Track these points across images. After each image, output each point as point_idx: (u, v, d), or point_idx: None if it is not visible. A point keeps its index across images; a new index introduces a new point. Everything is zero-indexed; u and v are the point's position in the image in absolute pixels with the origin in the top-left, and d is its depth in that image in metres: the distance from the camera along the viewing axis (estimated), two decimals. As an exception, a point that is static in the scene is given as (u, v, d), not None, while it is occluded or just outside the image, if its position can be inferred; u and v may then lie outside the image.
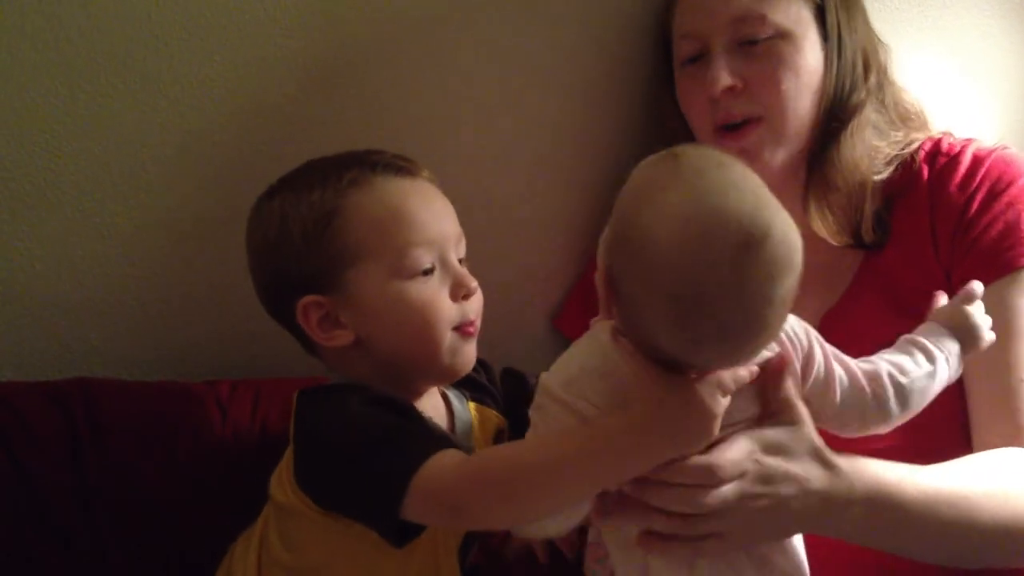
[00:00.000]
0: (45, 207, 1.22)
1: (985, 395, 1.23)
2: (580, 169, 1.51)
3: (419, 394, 1.11)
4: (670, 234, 0.86)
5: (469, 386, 1.17)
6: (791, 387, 1.00)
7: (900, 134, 1.34)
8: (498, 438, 1.17)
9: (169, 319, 1.31)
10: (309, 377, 1.21)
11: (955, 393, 1.21)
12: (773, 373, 0.99)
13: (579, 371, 0.94)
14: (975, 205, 1.27)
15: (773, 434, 0.99)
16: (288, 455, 1.09)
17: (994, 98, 1.82)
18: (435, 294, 1.05)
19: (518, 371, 1.24)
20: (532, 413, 0.96)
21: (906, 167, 1.32)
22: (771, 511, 0.99)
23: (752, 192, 0.87)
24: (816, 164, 1.30)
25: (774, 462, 0.99)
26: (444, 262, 1.07)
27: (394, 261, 1.04)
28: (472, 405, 1.17)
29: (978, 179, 1.28)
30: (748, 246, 0.85)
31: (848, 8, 1.31)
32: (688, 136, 1.36)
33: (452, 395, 1.16)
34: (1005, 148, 1.33)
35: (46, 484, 1.18)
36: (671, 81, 1.37)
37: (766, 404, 1.00)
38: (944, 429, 1.21)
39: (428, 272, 1.05)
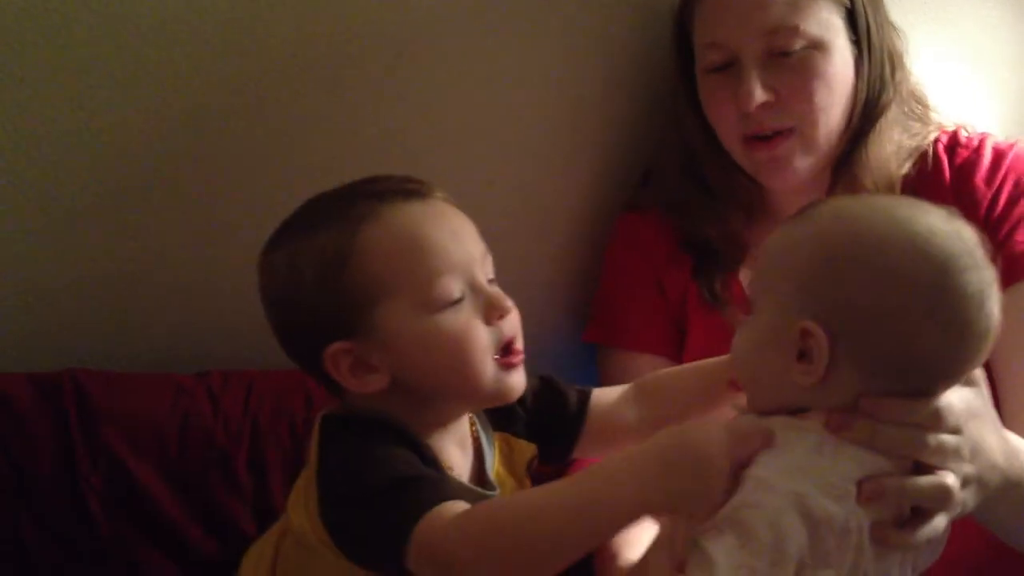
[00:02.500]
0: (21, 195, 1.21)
1: (1008, 400, 1.22)
2: (586, 174, 1.50)
3: (450, 422, 1.04)
4: (900, 234, 0.88)
5: (495, 415, 1.10)
6: None
7: (918, 126, 1.34)
8: (530, 467, 1.12)
9: (155, 309, 1.30)
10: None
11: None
12: None
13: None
14: (1002, 201, 1.27)
15: (966, 396, 0.93)
16: (306, 478, 1.03)
17: (997, 89, 1.81)
18: (468, 322, 0.98)
19: (556, 382, 1.15)
20: None
21: (925, 160, 1.32)
22: (979, 483, 0.94)
23: None
24: (843, 167, 1.29)
25: (975, 428, 0.93)
26: (473, 286, 0.99)
27: (420, 294, 0.97)
28: (498, 436, 1.11)
29: (1003, 173, 1.29)
30: (964, 237, 0.89)
31: (875, 6, 1.29)
32: (706, 139, 1.34)
33: (480, 426, 1.10)
34: (1022, 143, 1.33)
35: (39, 479, 1.17)
36: (689, 84, 1.34)
37: None
38: None
39: (458, 301, 0.98)
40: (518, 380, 1.02)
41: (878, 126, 1.28)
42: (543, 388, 1.14)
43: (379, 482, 0.92)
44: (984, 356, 0.90)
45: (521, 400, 1.09)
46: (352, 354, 0.98)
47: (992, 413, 0.96)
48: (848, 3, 1.26)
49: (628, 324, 1.39)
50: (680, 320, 1.38)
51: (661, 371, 1.18)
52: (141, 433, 1.21)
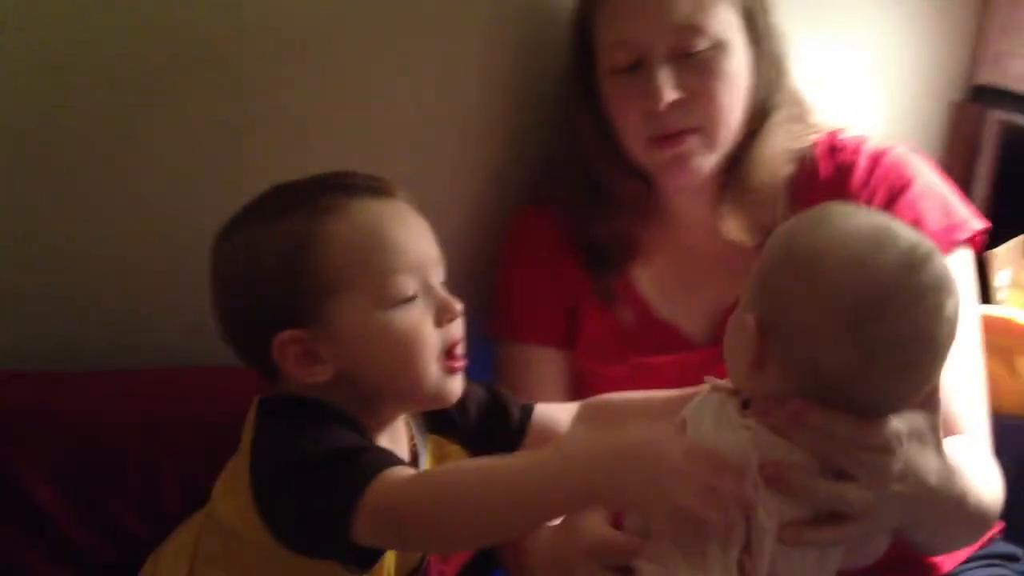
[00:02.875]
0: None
1: None
2: (482, 169, 1.51)
3: (388, 422, 1.07)
4: (837, 246, 0.92)
5: (431, 418, 1.13)
6: None
7: (799, 127, 1.37)
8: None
9: (61, 307, 1.29)
10: (205, 367, 1.20)
11: None
12: None
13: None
14: (875, 206, 1.30)
15: (914, 421, 0.97)
16: (235, 466, 1.04)
17: (882, 88, 1.88)
18: (419, 321, 1.01)
19: (502, 396, 1.19)
20: None
21: (805, 163, 1.35)
22: (905, 501, 0.97)
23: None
24: (735, 166, 1.32)
25: (914, 456, 0.97)
26: (426, 287, 1.03)
27: (377, 289, 0.99)
28: (431, 439, 1.13)
29: (877, 178, 1.32)
30: (916, 255, 0.91)
31: (766, 9, 1.32)
32: (600, 141, 1.35)
33: (415, 428, 1.13)
34: (897, 148, 1.36)
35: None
36: (587, 85, 1.34)
37: None
38: None
39: (411, 300, 1.01)
40: (457, 385, 1.05)
41: (767, 126, 1.31)
42: (489, 401, 1.17)
43: (323, 453, 0.93)
44: (918, 389, 0.95)
45: (465, 410, 1.14)
46: (302, 343, 1.00)
47: (937, 437, 0.99)
48: (748, 5, 1.29)
49: (523, 316, 1.41)
50: (575, 313, 1.40)
51: (611, 396, 1.20)
52: (41, 433, 1.19)
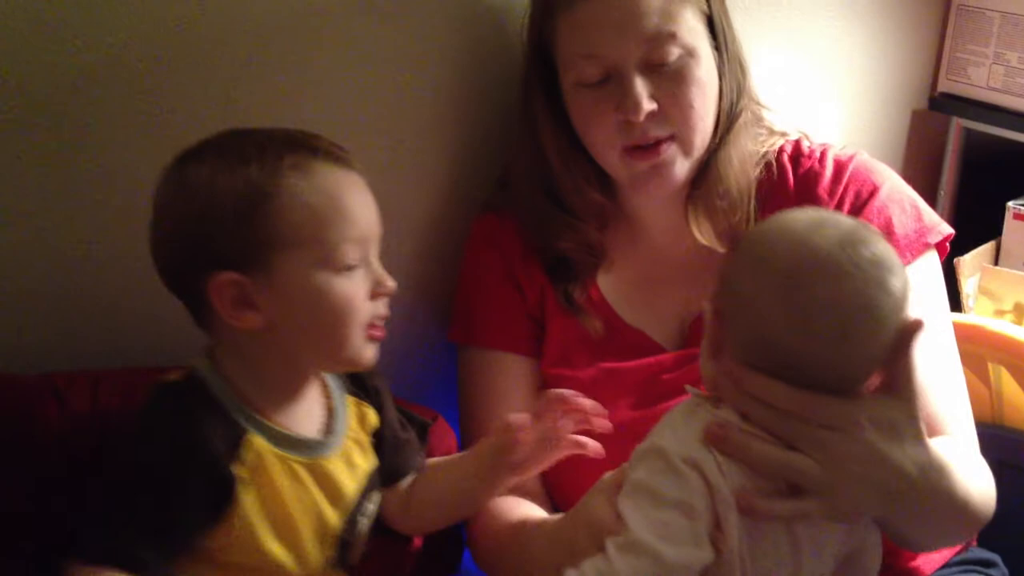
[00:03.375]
0: None
1: None
2: (444, 173, 1.49)
3: (304, 379, 1.10)
4: (785, 228, 0.98)
5: (351, 380, 1.17)
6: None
7: (763, 132, 1.37)
8: (373, 436, 1.16)
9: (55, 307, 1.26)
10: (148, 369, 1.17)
11: None
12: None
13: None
14: (844, 213, 1.29)
15: (885, 409, 0.98)
16: None
17: (835, 93, 1.88)
18: (357, 290, 1.04)
19: (426, 433, 1.26)
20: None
21: (770, 168, 1.35)
22: (871, 486, 0.98)
23: None
24: (704, 171, 1.30)
25: (884, 444, 0.98)
26: (367, 260, 1.06)
27: (325, 252, 1.02)
28: (350, 400, 1.16)
29: (843, 185, 1.32)
30: (856, 234, 0.95)
31: (726, 13, 1.31)
32: (561, 153, 1.32)
33: (333, 387, 1.15)
34: (861, 155, 1.36)
35: None
36: (549, 97, 1.32)
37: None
38: None
39: (352, 268, 1.04)
40: (372, 352, 1.08)
41: (735, 129, 1.30)
42: (415, 425, 1.24)
43: (119, 487, 0.99)
44: (867, 364, 0.96)
45: (381, 401, 1.18)
46: (240, 287, 1.01)
47: (915, 427, 1.00)
48: (707, 9, 1.27)
49: (485, 321, 1.38)
50: (539, 319, 1.38)
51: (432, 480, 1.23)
52: None
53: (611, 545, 0.94)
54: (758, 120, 1.36)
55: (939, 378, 1.24)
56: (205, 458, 1.00)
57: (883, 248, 0.96)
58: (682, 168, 1.28)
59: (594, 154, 1.30)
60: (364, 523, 1.15)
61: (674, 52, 1.23)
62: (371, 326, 1.07)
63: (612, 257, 1.37)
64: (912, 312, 1.22)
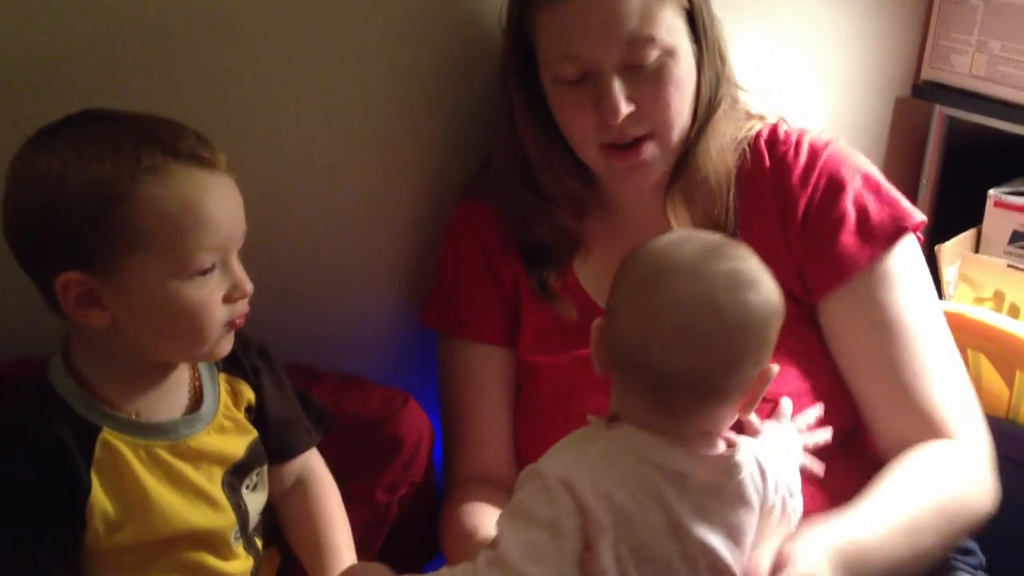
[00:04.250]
0: None
1: (877, 390, 1.27)
2: (425, 158, 1.48)
3: (160, 369, 1.08)
4: (654, 242, 1.01)
5: (226, 357, 1.13)
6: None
7: (742, 116, 1.36)
8: (248, 412, 1.15)
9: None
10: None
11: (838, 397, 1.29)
12: (762, 377, 0.99)
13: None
14: (816, 202, 1.30)
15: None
16: None
17: (819, 77, 1.87)
18: (210, 296, 1.01)
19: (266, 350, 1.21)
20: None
21: (748, 154, 1.34)
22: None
23: None
24: (683, 160, 1.30)
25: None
26: (225, 264, 1.03)
27: (178, 260, 0.98)
28: (222, 377, 1.14)
29: (817, 172, 1.31)
30: (721, 248, 0.99)
31: (707, 4, 1.30)
32: (540, 144, 1.32)
33: (203, 366, 1.13)
34: (837, 141, 1.35)
35: None
36: (527, 89, 1.31)
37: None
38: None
39: (207, 272, 1.01)
40: (229, 342, 1.07)
41: (714, 120, 1.30)
42: (311, 410, 1.23)
43: None
44: (716, 369, 0.96)
45: (245, 351, 1.15)
46: (85, 286, 0.98)
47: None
48: (687, 4, 1.26)
49: (464, 312, 1.39)
50: (515, 309, 1.38)
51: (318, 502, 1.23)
52: None
53: (482, 556, 0.95)
54: (735, 103, 1.36)
55: (944, 378, 1.26)
56: (59, 467, 0.99)
57: (746, 266, 0.98)
58: (659, 164, 1.28)
59: (574, 147, 1.30)
60: (254, 496, 1.14)
61: (653, 54, 1.22)
62: (229, 323, 1.05)
63: (589, 245, 1.37)
64: (899, 298, 1.26)
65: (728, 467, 0.98)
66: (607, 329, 1.01)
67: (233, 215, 1.03)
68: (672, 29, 1.24)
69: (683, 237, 1.01)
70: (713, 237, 1.02)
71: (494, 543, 0.96)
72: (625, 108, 1.22)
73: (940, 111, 1.99)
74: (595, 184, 1.36)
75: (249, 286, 1.04)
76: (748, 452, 1.00)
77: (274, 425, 1.17)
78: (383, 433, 1.32)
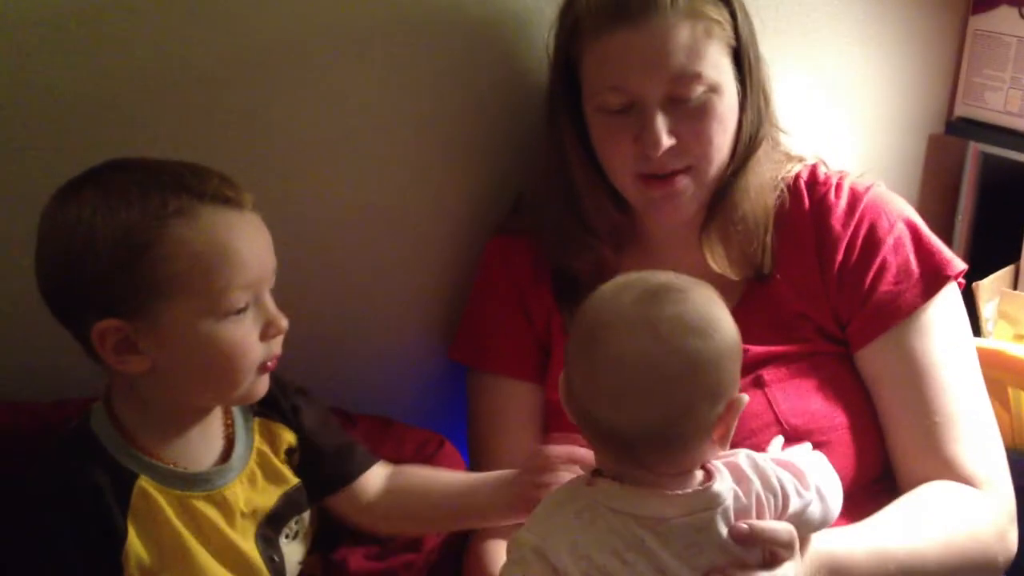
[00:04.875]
0: None
1: (905, 437, 1.27)
2: (460, 196, 1.50)
3: (198, 414, 1.08)
4: (606, 286, 0.99)
5: (260, 402, 1.12)
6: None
7: (782, 158, 1.37)
8: (289, 456, 1.15)
9: (10, 333, 1.24)
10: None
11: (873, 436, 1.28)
12: (730, 409, 0.98)
13: None
14: (858, 246, 1.30)
15: None
16: None
17: (853, 121, 1.87)
18: (246, 335, 1.02)
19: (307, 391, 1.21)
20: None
21: (787, 195, 1.34)
22: None
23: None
24: (722, 198, 1.30)
25: None
26: (258, 302, 1.03)
27: (212, 301, 0.99)
28: (257, 422, 1.14)
29: (857, 217, 1.31)
30: (664, 292, 0.96)
31: (754, 43, 1.31)
32: (585, 171, 1.33)
33: (237, 412, 1.13)
34: (878, 186, 1.36)
35: None
36: (574, 115, 1.32)
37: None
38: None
39: (241, 311, 1.01)
40: (264, 384, 1.07)
41: (753, 159, 1.30)
42: (323, 435, 1.19)
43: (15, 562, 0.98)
44: (664, 420, 0.94)
45: (297, 412, 1.16)
46: (122, 333, 0.99)
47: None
48: (734, 43, 1.27)
49: (493, 347, 1.39)
50: (545, 345, 1.38)
51: (416, 474, 1.23)
52: None
53: None
54: (776, 144, 1.36)
55: (967, 421, 1.25)
56: (94, 513, 1.00)
57: (689, 308, 0.94)
58: (695, 197, 1.29)
59: (610, 176, 1.31)
60: (293, 546, 1.13)
61: (698, 89, 1.23)
62: (263, 366, 1.05)
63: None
64: (934, 348, 1.26)
65: (705, 500, 0.96)
66: (566, 383, 1.00)
67: (262, 252, 1.04)
68: (718, 67, 1.25)
69: (627, 283, 0.98)
70: (659, 279, 0.98)
71: None
72: (667, 141, 1.23)
73: (974, 148, 1.97)
74: (633, 218, 1.36)
75: (284, 322, 1.05)
76: (726, 481, 0.98)
77: (327, 454, 1.17)
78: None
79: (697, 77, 1.22)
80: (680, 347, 0.93)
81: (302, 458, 1.16)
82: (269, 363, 1.05)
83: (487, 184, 1.50)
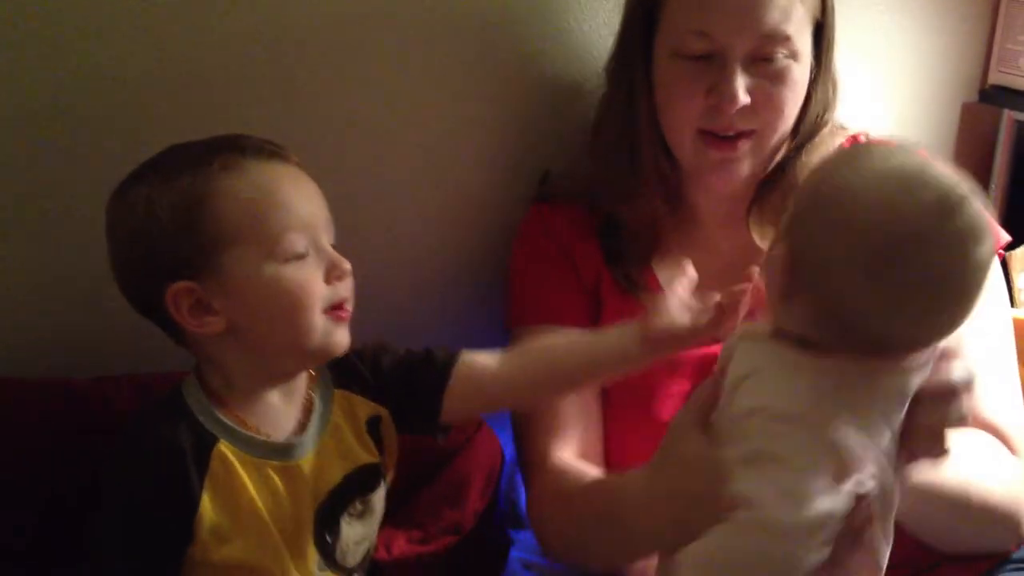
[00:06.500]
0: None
1: None
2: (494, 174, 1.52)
3: (288, 376, 1.10)
4: (870, 186, 0.90)
5: (341, 373, 1.15)
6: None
7: (839, 139, 1.36)
8: (372, 426, 1.15)
9: (49, 310, 1.28)
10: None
11: None
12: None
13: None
14: None
15: None
16: None
17: (887, 91, 1.86)
18: (310, 277, 1.05)
19: (422, 349, 1.18)
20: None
21: None
22: None
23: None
24: (778, 177, 1.30)
25: None
26: (317, 246, 1.06)
27: (269, 244, 1.03)
28: (338, 394, 1.15)
29: None
30: (948, 200, 0.88)
31: (834, 25, 1.30)
32: (650, 118, 1.30)
33: (320, 383, 1.14)
34: (923, 150, 1.36)
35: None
36: (646, 55, 1.29)
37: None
38: None
39: (302, 257, 1.05)
40: (343, 335, 1.08)
41: (816, 142, 1.30)
42: (407, 354, 1.18)
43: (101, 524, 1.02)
44: (941, 333, 0.93)
45: (377, 365, 1.16)
46: (194, 295, 1.03)
47: None
48: (819, 18, 1.26)
49: (546, 306, 1.37)
50: (596, 301, 1.37)
51: (552, 337, 1.18)
52: (30, 442, 1.19)
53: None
54: (836, 130, 1.35)
55: (1002, 391, 1.26)
56: (173, 473, 1.02)
57: (973, 212, 0.89)
58: (750, 166, 1.27)
59: (668, 129, 1.29)
60: (355, 526, 1.13)
61: (781, 52, 1.22)
62: (336, 308, 1.07)
63: (669, 248, 1.36)
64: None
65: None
66: (800, 272, 0.94)
67: (312, 197, 1.07)
68: (803, 35, 1.24)
69: (901, 179, 0.90)
70: (932, 177, 0.90)
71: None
72: (744, 98, 1.21)
73: (1009, 115, 1.96)
74: (680, 183, 1.34)
75: (347, 264, 1.07)
76: None
77: (414, 371, 1.16)
78: (458, 460, 1.33)
79: (786, 40, 1.21)
80: (978, 261, 0.89)
81: (393, 394, 1.16)
82: (342, 310, 1.07)
83: (504, 162, 1.52)
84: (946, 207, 0.88)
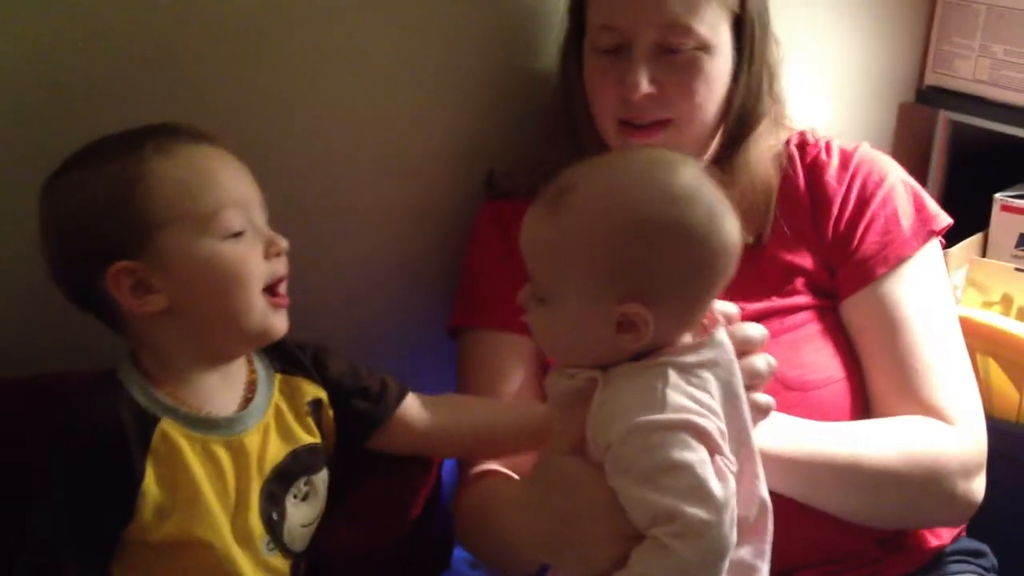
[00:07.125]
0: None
1: (885, 384, 1.28)
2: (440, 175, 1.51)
3: (227, 359, 1.11)
4: (678, 195, 0.98)
5: (282, 359, 1.16)
6: None
7: (782, 132, 1.38)
8: (314, 409, 1.16)
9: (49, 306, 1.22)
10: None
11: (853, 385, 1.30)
12: None
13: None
14: (852, 201, 1.32)
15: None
16: None
17: (824, 91, 1.88)
18: (248, 253, 1.07)
19: (372, 372, 1.21)
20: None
21: (780, 160, 1.36)
22: None
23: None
24: (721, 173, 1.28)
25: None
26: (253, 224, 1.08)
27: (205, 222, 1.05)
28: (279, 377, 1.16)
29: (850, 173, 1.34)
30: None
31: (763, 21, 1.31)
32: (587, 110, 1.33)
33: (260, 366, 1.15)
34: (865, 146, 1.39)
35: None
36: (576, 54, 1.34)
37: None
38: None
39: (239, 234, 1.06)
40: (281, 321, 1.10)
41: (755, 134, 1.31)
42: (360, 375, 1.19)
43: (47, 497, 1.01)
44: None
45: (322, 364, 1.17)
46: (135, 274, 1.04)
47: None
48: (738, 11, 1.28)
49: (489, 302, 1.37)
50: None
51: (483, 401, 1.28)
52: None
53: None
54: (779, 122, 1.37)
55: (947, 369, 1.27)
56: (116, 450, 1.01)
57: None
58: None
59: (597, 120, 1.32)
60: (300, 507, 1.14)
61: (688, 43, 1.24)
62: (273, 292, 1.09)
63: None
64: (915, 299, 1.30)
65: None
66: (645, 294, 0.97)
67: (243, 178, 1.09)
68: (714, 28, 1.25)
69: (686, 187, 0.99)
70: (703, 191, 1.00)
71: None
72: (646, 87, 1.24)
73: (944, 116, 1.99)
74: None
75: (284, 242, 1.09)
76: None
77: (360, 394, 1.18)
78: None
79: (687, 30, 1.23)
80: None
81: (336, 407, 1.18)
82: (280, 296, 1.09)
83: (462, 153, 1.51)
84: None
